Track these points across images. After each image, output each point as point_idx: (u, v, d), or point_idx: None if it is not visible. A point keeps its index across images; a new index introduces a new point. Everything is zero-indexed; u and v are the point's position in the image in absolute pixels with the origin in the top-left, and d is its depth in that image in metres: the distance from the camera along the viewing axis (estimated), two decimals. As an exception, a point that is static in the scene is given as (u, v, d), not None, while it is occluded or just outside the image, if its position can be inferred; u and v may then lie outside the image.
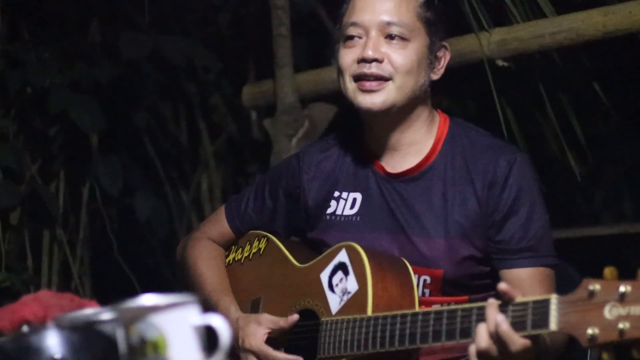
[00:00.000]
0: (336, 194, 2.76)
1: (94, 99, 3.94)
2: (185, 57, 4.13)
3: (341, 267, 2.57)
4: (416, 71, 2.61)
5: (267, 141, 4.16)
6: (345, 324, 2.49)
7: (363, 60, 2.60)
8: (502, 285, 2.16)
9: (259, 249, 2.86)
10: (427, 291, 2.62)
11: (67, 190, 4.13)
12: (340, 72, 2.67)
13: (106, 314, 1.66)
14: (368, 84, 2.60)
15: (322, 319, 2.56)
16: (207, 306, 2.71)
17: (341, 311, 2.53)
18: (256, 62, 4.56)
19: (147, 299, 1.62)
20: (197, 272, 2.89)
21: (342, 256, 2.58)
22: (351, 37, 2.65)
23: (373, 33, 2.61)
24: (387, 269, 2.53)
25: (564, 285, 2.57)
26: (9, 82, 3.86)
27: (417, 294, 2.54)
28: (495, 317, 2.15)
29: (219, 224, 2.96)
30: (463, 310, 2.25)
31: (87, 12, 4.21)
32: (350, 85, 2.63)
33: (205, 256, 2.92)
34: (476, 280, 2.65)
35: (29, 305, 1.78)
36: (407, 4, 2.63)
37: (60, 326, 1.65)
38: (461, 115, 4.60)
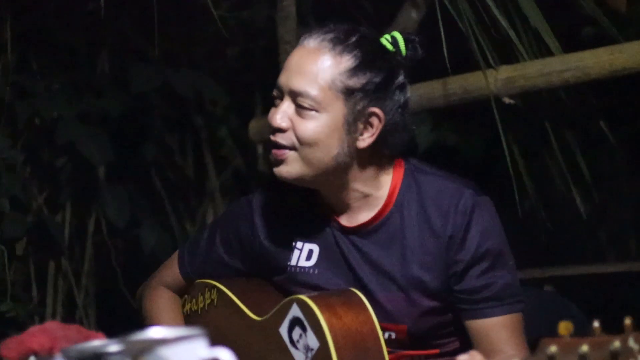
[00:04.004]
0: (293, 243, 2.63)
1: (102, 130, 3.96)
2: (194, 90, 4.15)
3: (297, 322, 2.47)
4: (325, 142, 2.44)
5: (273, 175, 4.16)
6: None
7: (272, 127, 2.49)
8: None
9: (212, 299, 2.74)
10: (395, 345, 2.55)
11: (73, 222, 4.14)
12: None
13: (114, 346, 1.66)
14: (273, 152, 2.49)
15: None
16: None
17: None
18: (263, 97, 4.57)
19: (156, 332, 1.62)
20: (154, 323, 2.77)
21: (296, 311, 2.47)
22: (275, 98, 2.52)
23: (285, 99, 2.47)
24: (342, 311, 2.45)
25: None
26: (18, 113, 3.88)
27: (376, 321, 2.46)
28: None
29: (172, 270, 2.84)
30: None
31: (97, 43, 4.23)
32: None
33: (161, 307, 2.81)
34: (442, 329, 2.57)
35: (36, 336, 1.78)
36: (324, 72, 2.43)
37: (68, 357, 1.66)
38: (468, 152, 4.64)
